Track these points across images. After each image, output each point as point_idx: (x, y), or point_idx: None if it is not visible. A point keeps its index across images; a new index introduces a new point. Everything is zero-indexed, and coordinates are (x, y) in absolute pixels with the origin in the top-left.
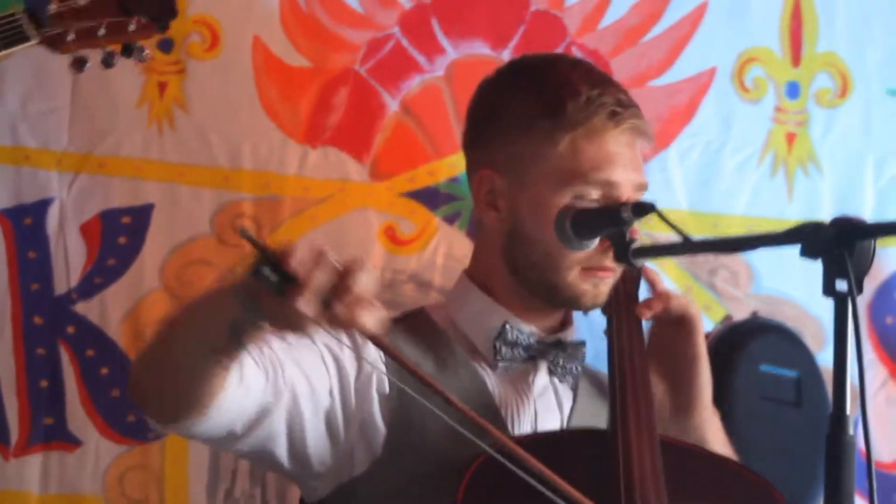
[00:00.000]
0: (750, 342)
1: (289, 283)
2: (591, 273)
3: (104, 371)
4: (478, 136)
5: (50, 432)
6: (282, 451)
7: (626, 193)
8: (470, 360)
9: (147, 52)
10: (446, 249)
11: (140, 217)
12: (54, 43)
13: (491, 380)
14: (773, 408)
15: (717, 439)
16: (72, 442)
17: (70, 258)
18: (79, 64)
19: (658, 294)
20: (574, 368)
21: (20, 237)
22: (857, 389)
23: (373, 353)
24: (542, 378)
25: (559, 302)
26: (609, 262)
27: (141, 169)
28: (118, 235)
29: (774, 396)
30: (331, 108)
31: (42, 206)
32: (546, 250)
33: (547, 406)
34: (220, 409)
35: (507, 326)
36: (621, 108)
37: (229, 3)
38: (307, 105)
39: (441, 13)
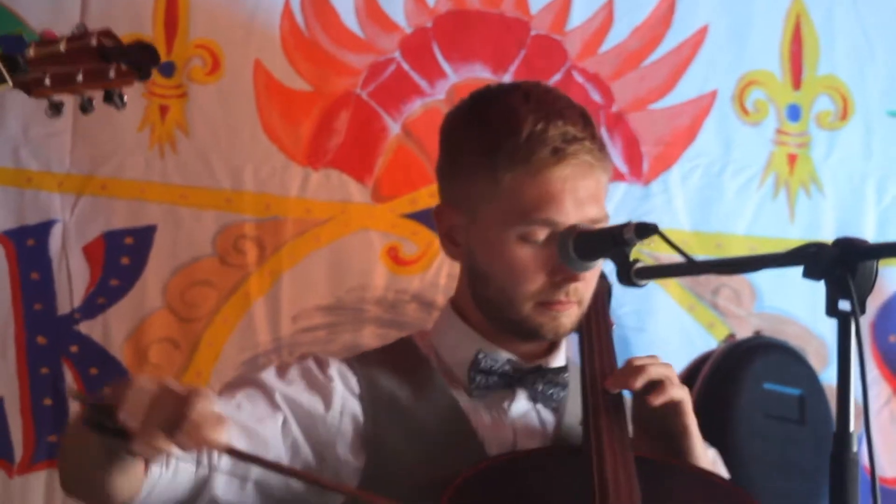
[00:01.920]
0: (753, 361)
1: (127, 429)
2: (546, 307)
3: (108, 390)
4: (439, 171)
5: (54, 450)
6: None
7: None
8: (449, 386)
9: (126, 98)
10: (449, 270)
11: (142, 238)
12: (29, 87)
13: (468, 405)
14: (777, 426)
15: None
16: None
17: (73, 279)
18: (54, 108)
19: (631, 369)
20: (555, 395)
21: (23, 258)
22: (861, 407)
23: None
24: (520, 404)
25: (522, 333)
26: (562, 296)
27: (143, 191)
28: (121, 256)
29: (778, 414)
30: (332, 131)
31: (45, 227)
32: (499, 286)
33: (526, 430)
34: (150, 493)
35: (480, 355)
36: (566, 143)
37: (230, 28)
38: (309, 128)
39: (442, 37)
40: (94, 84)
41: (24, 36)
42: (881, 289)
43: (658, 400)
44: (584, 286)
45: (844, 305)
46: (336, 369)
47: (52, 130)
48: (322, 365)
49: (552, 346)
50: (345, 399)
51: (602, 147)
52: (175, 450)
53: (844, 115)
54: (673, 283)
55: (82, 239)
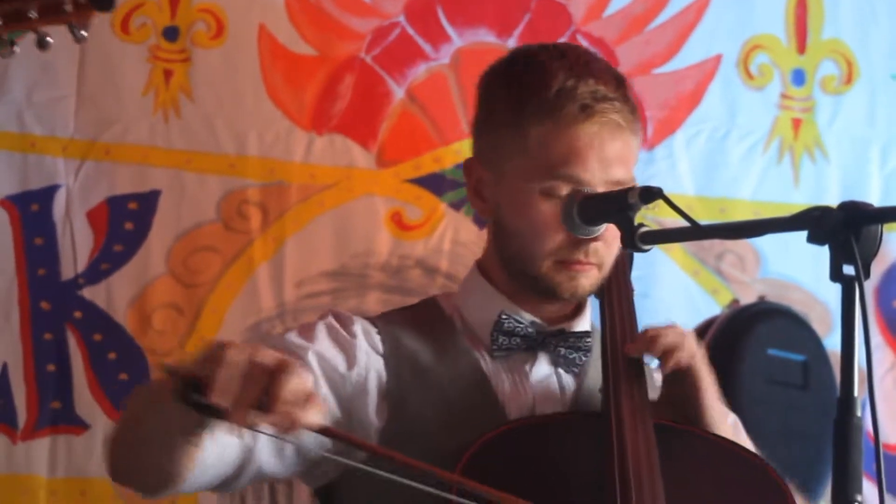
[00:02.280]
0: (757, 326)
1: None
2: (564, 265)
3: (111, 355)
4: (473, 126)
5: (58, 416)
6: (279, 469)
7: (598, 188)
8: (471, 348)
9: (84, 33)
10: (453, 235)
11: (146, 203)
12: None
13: (489, 368)
14: (781, 391)
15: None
16: (79, 425)
17: (77, 244)
18: (7, 48)
19: (646, 336)
20: (578, 359)
21: (27, 223)
22: (865, 373)
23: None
24: (541, 367)
25: (540, 292)
26: (581, 255)
27: (147, 156)
28: (125, 221)
29: (782, 380)
30: (336, 96)
31: (48, 192)
32: (521, 242)
33: (547, 392)
34: (202, 470)
35: (503, 316)
36: (595, 100)
37: None
38: (313, 93)
39: (446, 1)
40: (50, 20)
41: None
42: (885, 253)
43: (666, 367)
44: (605, 249)
45: (848, 270)
46: (360, 326)
47: (56, 95)
48: (346, 322)
49: (577, 310)
50: (369, 356)
51: (634, 111)
52: (267, 428)
53: (849, 79)
54: (677, 248)
55: (86, 204)
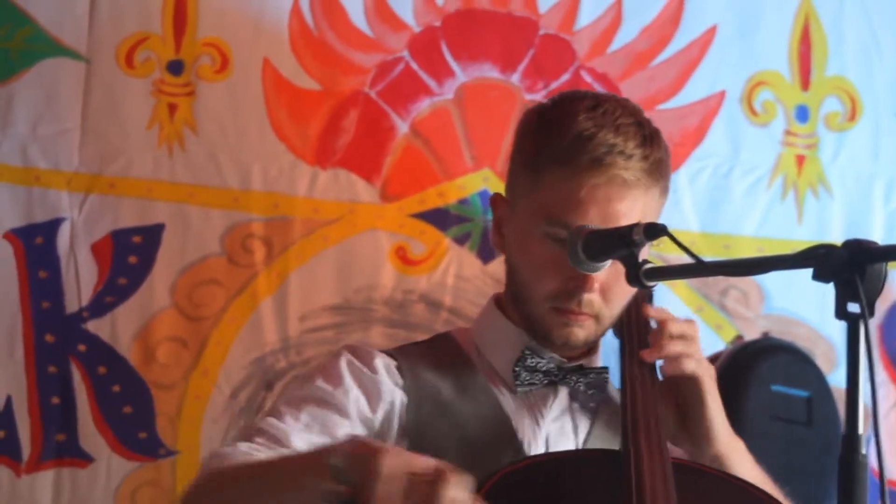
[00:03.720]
0: (761, 362)
1: None
2: (559, 312)
3: (116, 388)
4: (507, 162)
5: (62, 449)
6: None
7: None
8: (490, 384)
9: None
10: (456, 270)
11: (151, 237)
12: None
13: (510, 404)
14: (785, 427)
15: (742, 469)
16: (84, 458)
17: (81, 277)
18: None
19: (659, 344)
20: (595, 394)
21: (31, 256)
22: (870, 409)
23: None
24: (560, 403)
25: (538, 335)
26: (574, 305)
27: (151, 189)
28: (129, 254)
29: (786, 416)
30: (341, 130)
31: (53, 225)
32: (523, 281)
33: (561, 430)
34: None
35: (527, 352)
36: (608, 153)
37: (239, 26)
38: (317, 127)
39: (450, 36)
40: None
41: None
42: (890, 291)
43: (678, 368)
44: (602, 301)
45: (853, 308)
46: (381, 361)
47: (60, 128)
48: (366, 358)
49: (592, 347)
50: (392, 392)
51: (655, 170)
52: None
53: (853, 116)
54: (681, 284)
55: (90, 237)
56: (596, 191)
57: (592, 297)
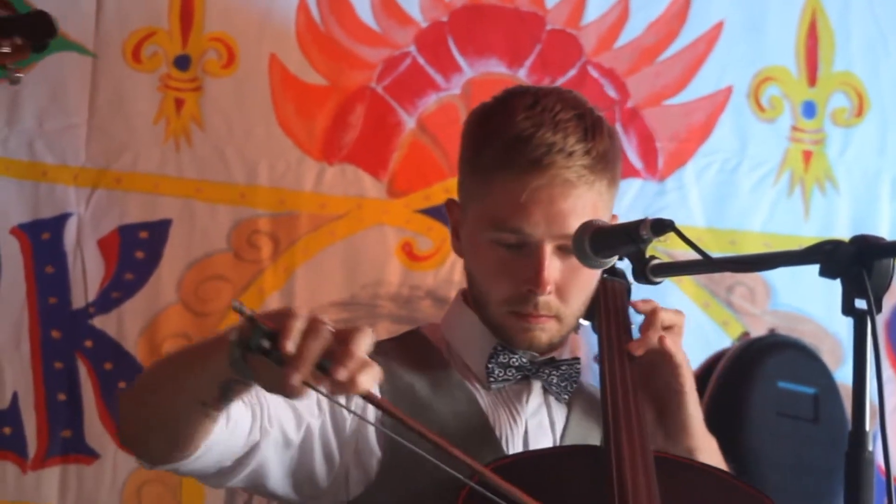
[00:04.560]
0: (767, 359)
1: (285, 354)
2: (517, 316)
3: (122, 384)
4: (458, 164)
5: (68, 445)
6: (274, 482)
7: (546, 242)
8: (464, 380)
9: (20, 76)
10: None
11: (157, 232)
12: None
13: (484, 400)
14: (791, 424)
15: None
16: (90, 455)
17: (88, 272)
18: None
19: (648, 334)
20: (569, 386)
21: (38, 252)
22: (876, 406)
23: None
24: (535, 398)
25: (503, 339)
26: (531, 308)
27: (158, 185)
28: (135, 250)
29: (792, 413)
30: (347, 126)
31: (60, 220)
32: (478, 287)
33: (539, 425)
34: (208, 450)
35: (500, 347)
36: (547, 153)
37: (245, 21)
38: (324, 122)
39: (457, 32)
40: None
41: None
42: None
43: (663, 346)
44: (559, 302)
45: (860, 304)
46: None
47: (67, 123)
48: None
49: (561, 341)
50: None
51: (598, 163)
52: (322, 388)
53: (860, 111)
54: (688, 280)
55: (97, 233)
56: (538, 193)
57: (548, 299)
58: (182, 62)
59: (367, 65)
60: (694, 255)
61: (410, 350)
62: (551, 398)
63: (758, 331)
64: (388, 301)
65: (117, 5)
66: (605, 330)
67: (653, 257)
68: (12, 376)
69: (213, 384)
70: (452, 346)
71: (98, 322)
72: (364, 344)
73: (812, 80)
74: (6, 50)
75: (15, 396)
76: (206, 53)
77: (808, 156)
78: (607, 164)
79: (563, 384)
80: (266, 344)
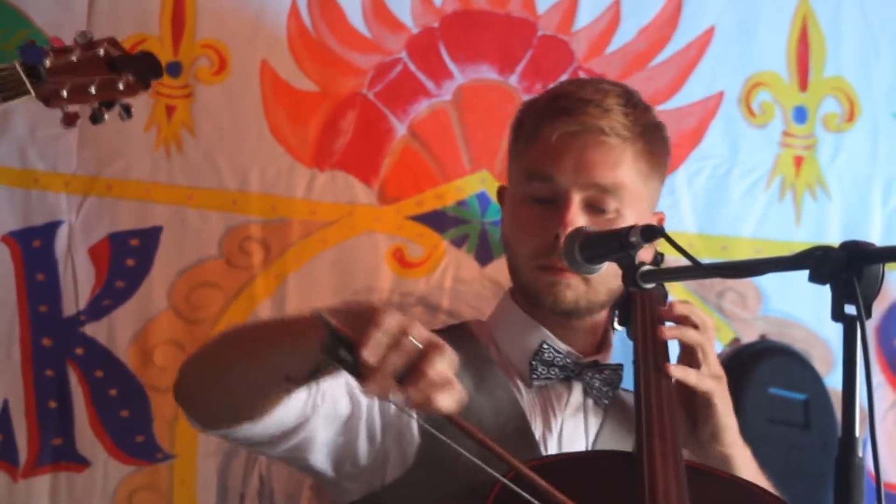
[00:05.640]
0: (758, 365)
1: (364, 367)
2: (543, 271)
3: (113, 392)
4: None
5: (59, 453)
6: (316, 456)
7: (574, 191)
8: (506, 377)
9: (133, 109)
10: (454, 272)
11: (148, 239)
12: (48, 99)
13: (525, 399)
14: (782, 430)
15: (746, 474)
16: (80, 462)
17: (78, 280)
18: (71, 119)
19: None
20: (610, 391)
21: (29, 259)
22: (866, 412)
23: None
24: (575, 398)
25: (531, 301)
26: (556, 260)
27: (149, 192)
28: (126, 257)
29: (783, 419)
30: (339, 132)
31: (51, 228)
32: (511, 249)
33: (575, 428)
34: (272, 417)
35: (545, 346)
36: (583, 103)
37: (237, 28)
38: (315, 128)
39: (448, 38)
40: (106, 95)
41: (38, 43)
42: (887, 292)
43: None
44: None
45: (850, 309)
46: None
47: (58, 131)
48: None
49: (604, 344)
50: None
51: (635, 126)
52: (399, 399)
53: (851, 117)
54: (678, 285)
55: (88, 240)
56: (569, 138)
57: None
58: (173, 69)
59: (358, 71)
60: (684, 261)
61: (456, 343)
62: (590, 402)
63: (749, 336)
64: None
65: (108, 12)
66: (641, 337)
67: (643, 263)
68: (3, 384)
69: (304, 364)
70: (498, 342)
71: (89, 329)
72: (447, 362)
73: (803, 85)
74: (121, 87)
75: (6, 404)
76: (198, 60)
77: (799, 161)
78: (646, 133)
79: (604, 389)
80: (346, 355)
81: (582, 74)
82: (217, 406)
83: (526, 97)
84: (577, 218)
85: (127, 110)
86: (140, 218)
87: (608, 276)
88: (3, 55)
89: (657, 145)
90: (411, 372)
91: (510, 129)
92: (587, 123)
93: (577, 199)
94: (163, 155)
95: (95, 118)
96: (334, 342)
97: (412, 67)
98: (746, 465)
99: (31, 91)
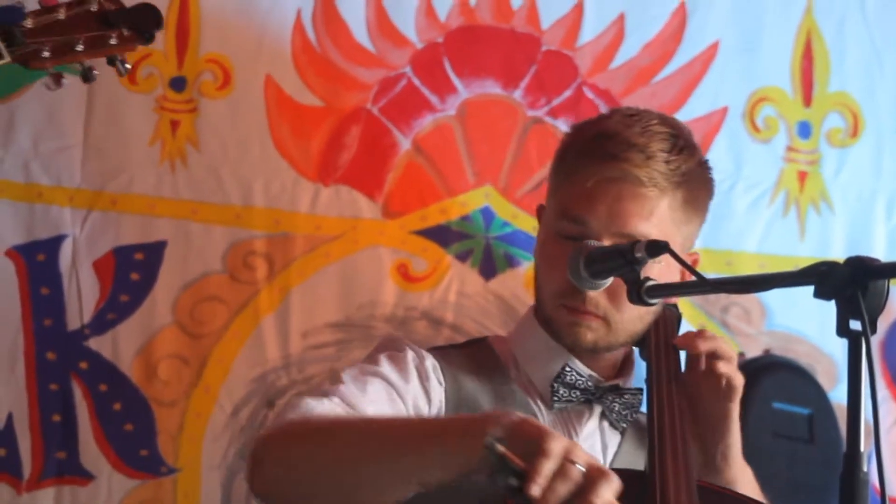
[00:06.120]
0: (762, 380)
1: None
2: (567, 311)
3: (117, 406)
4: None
5: (63, 467)
6: None
7: (604, 238)
8: (526, 397)
9: (127, 66)
10: (458, 287)
11: (153, 253)
12: (27, 60)
13: (545, 419)
14: (786, 444)
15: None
16: (84, 476)
17: (83, 294)
18: (55, 80)
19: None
20: (629, 415)
21: (33, 273)
22: (871, 426)
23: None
24: (593, 421)
25: (552, 335)
26: (579, 303)
27: (153, 206)
28: (131, 272)
29: (787, 433)
30: (343, 147)
31: (55, 242)
32: (538, 281)
33: (591, 449)
34: None
35: (568, 368)
36: (627, 149)
37: (241, 43)
38: (319, 143)
39: (453, 53)
40: (96, 52)
41: (23, 5)
42: (891, 308)
43: (723, 371)
44: (609, 303)
45: (855, 325)
46: (430, 363)
47: (62, 145)
48: (422, 357)
49: (626, 367)
50: (440, 395)
51: (675, 175)
52: None
53: (855, 132)
54: (683, 301)
55: (92, 254)
56: (606, 185)
57: (597, 297)
58: (178, 83)
59: (362, 86)
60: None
61: (476, 360)
62: (606, 424)
63: (753, 351)
64: (383, 322)
65: None
66: (655, 358)
67: (648, 279)
68: (7, 398)
69: (447, 474)
70: (519, 361)
71: (93, 343)
72: (611, 489)
73: (807, 100)
74: (113, 42)
75: (10, 418)
76: (202, 75)
77: (803, 176)
78: (688, 181)
79: (623, 412)
80: (514, 482)
81: (586, 90)
82: (309, 499)
83: (530, 112)
84: None
85: (122, 63)
86: (144, 232)
87: (631, 319)
88: (7, 71)
89: (698, 190)
90: (577, 501)
91: (554, 156)
92: (626, 171)
93: (606, 244)
94: (167, 169)
95: (86, 77)
96: (503, 469)
97: (416, 82)
98: (751, 488)
99: (5, 56)
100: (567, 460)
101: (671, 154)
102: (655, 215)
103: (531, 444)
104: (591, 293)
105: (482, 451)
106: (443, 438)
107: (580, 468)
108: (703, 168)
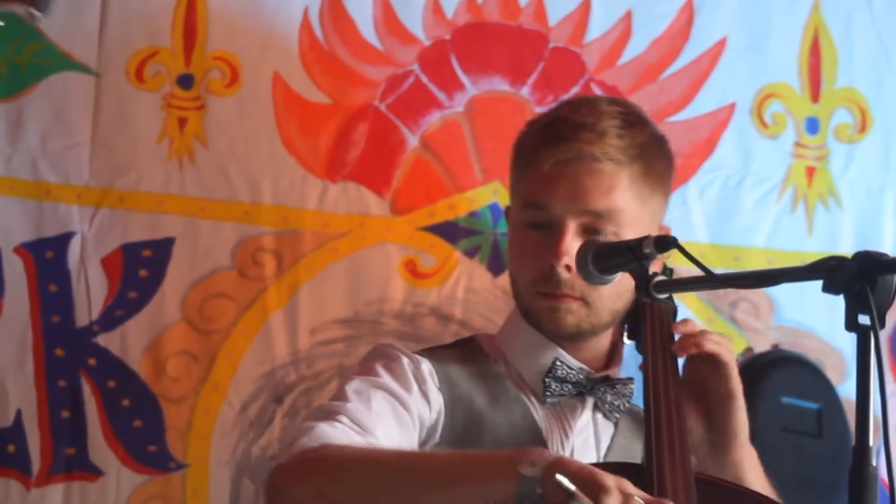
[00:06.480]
0: (771, 374)
1: None
2: (543, 297)
3: (125, 402)
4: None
5: (71, 463)
6: None
7: (568, 219)
8: (520, 393)
9: (37, 13)
10: (466, 283)
11: (161, 250)
12: None
13: (539, 414)
14: (795, 439)
15: (755, 477)
16: (93, 472)
17: (91, 291)
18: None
19: (691, 336)
20: (621, 405)
21: (42, 270)
22: (880, 421)
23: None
24: (586, 414)
25: (534, 325)
26: (554, 287)
27: (161, 203)
28: (139, 268)
29: (796, 428)
30: (350, 144)
31: (63, 239)
32: (512, 275)
33: (585, 442)
34: None
35: (558, 363)
36: (576, 130)
37: (249, 40)
38: (327, 140)
39: (460, 50)
40: None
41: (47, 55)
42: None
43: (711, 348)
44: (585, 284)
45: (864, 319)
46: (426, 367)
47: (70, 142)
48: (417, 363)
49: (614, 358)
50: (437, 398)
51: (630, 149)
52: None
53: (863, 127)
54: (691, 295)
55: (101, 251)
56: (563, 166)
57: (572, 279)
58: (185, 81)
59: (370, 83)
60: (697, 272)
61: (467, 359)
62: (599, 415)
63: (761, 346)
64: (392, 318)
65: (120, 25)
66: (651, 350)
67: (655, 274)
68: (16, 394)
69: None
70: (509, 358)
71: (102, 340)
72: None
73: (815, 96)
74: None
75: (19, 414)
76: (210, 72)
77: (811, 172)
78: (643, 154)
79: (616, 403)
80: None
81: (593, 86)
82: None
83: (538, 109)
84: (572, 246)
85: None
86: (152, 229)
87: (610, 297)
88: (15, 69)
89: (657, 164)
90: None
91: (511, 153)
92: (580, 150)
93: (571, 226)
94: (175, 167)
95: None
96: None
97: (424, 79)
98: (755, 470)
99: None
100: (627, 496)
101: (622, 129)
102: (616, 190)
103: (594, 487)
104: (565, 275)
105: (514, 490)
106: (471, 477)
107: (639, 500)
108: (659, 141)
